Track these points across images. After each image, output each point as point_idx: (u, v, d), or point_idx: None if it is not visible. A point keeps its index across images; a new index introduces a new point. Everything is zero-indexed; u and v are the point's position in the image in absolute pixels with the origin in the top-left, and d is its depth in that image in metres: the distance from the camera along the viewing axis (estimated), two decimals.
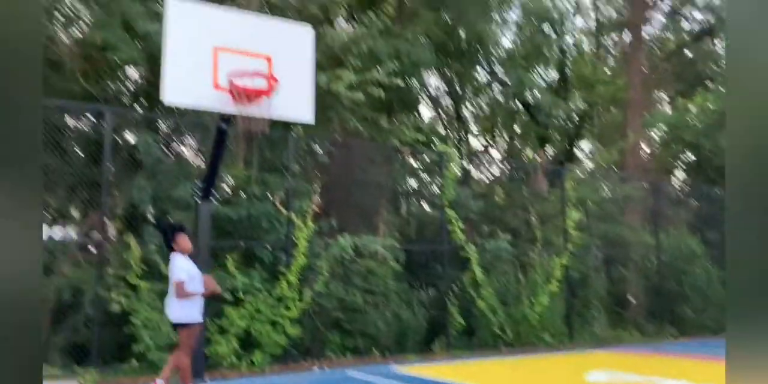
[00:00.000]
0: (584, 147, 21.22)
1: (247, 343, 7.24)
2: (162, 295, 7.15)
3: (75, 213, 12.20)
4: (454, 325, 8.89)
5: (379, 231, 10.47)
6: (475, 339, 9.14)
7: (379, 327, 8.63)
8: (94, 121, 11.04)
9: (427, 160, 10.85)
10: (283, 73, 5.57)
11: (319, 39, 8.42)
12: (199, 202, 6.43)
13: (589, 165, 20.36)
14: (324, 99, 8.56)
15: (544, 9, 15.28)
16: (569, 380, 6.48)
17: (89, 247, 9.99)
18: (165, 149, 10.39)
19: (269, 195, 8.35)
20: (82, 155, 10.90)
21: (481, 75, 18.31)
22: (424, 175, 11.08)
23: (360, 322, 8.54)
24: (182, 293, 5.09)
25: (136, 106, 11.47)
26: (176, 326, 5.22)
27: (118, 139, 10.53)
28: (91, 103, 9.41)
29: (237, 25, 5.50)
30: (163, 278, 7.14)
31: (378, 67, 8.52)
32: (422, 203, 11.61)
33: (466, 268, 9.29)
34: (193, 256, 6.68)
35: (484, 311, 8.98)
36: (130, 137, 10.66)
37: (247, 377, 6.78)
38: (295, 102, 5.61)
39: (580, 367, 7.27)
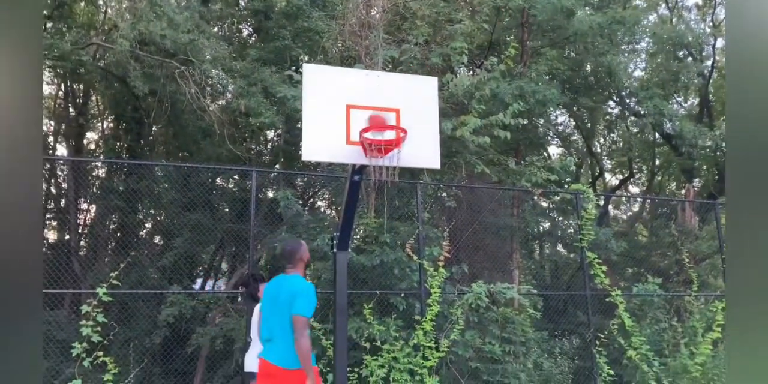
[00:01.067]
0: None
1: None
2: None
3: (224, 266, 13.20)
4: (603, 376, 8.24)
5: (513, 276, 10.16)
6: None
7: (520, 377, 8.24)
8: (237, 179, 12.04)
9: (560, 200, 10.47)
10: (411, 123, 5.71)
11: (442, 87, 8.62)
12: (336, 252, 6.65)
13: None
14: (450, 145, 8.67)
15: (679, 34, 14.45)
16: None
17: (238, 298, 10.70)
18: (302, 203, 11.02)
19: (400, 243, 8.46)
20: (228, 211, 11.88)
21: (613, 108, 17.59)
22: (558, 217, 10.66)
23: (500, 373, 8.21)
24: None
25: (276, 165, 12.36)
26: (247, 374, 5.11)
27: (260, 195, 11.39)
28: (236, 164, 10.31)
29: (366, 83, 5.78)
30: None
31: (503, 109, 8.49)
32: (557, 246, 11.13)
33: (612, 314, 8.66)
34: (331, 305, 6.88)
35: (637, 362, 8.24)
36: (271, 193, 11.47)
37: None
38: (422, 150, 5.71)
39: None
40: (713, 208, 10.27)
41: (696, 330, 8.55)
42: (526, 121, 9.50)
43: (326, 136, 5.43)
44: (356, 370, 7.20)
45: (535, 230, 10.77)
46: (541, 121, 11.28)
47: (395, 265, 8.37)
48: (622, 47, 10.61)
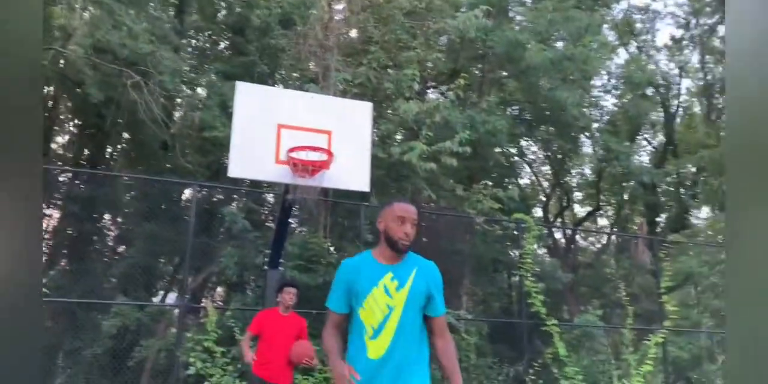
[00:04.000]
0: (701, 214, 19.71)
1: None
2: (236, 359, 7.35)
3: (180, 278, 13.09)
4: None
5: (461, 301, 10.22)
6: None
7: None
8: (204, 192, 12.03)
9: (512, 228, 10.60)
10: (343, 146, 5.83)
11: (394, 112, 8.78)
12: (267, 269, 6.69)
13: (706, 233, 18.77)
14: (399, 169, 8.80)
15: (648, 74, 14.82)
16: None
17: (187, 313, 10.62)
18: (257, 218, 11.02)
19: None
20: (189, 223, 11.83)
21: (584, 142, 17.90)
22: (508, 244, 10.78)
23: None
24: None
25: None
26: None
27: (222, 208, 11.37)
28: (192, 177, 10.32)
29: (301, 104, 5.91)
30: (235, 342, 7.37)
31: (454, 137, 8.64)
32: (507, 274, 11.23)
33: (551, 344, 8.73)
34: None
35: None
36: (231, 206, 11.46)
37: None
38: (352, 172, 5.83)
39: None
40: (654, 244, 10.44)
41: (629, 363, 8.62)
42: (473, 150, 9.61)
43: (255, 154, 5.53)
44: None
45: (486, 258, 10.87)
46: (498, 150, 11.47)
47: None
48: (577, 83, 10.87)
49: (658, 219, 18.82)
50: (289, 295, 5.34)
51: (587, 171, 21.05)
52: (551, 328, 8.54)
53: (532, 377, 8.36)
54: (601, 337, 9.18)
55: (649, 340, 9.02)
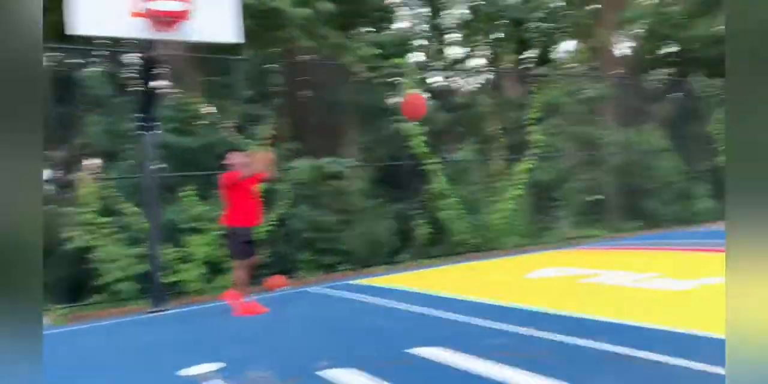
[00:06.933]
0: (563, 47, 20.69)
1: (212, 268, 7.41)
2: (123, 228, 7.24)
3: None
4: (421, 235, 9.12)
5: (347, 150, 10.48)
6: (442, 248, 9.38)
7: (350, 243, 8.86)
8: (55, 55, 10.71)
9: (391, 75, 10.61)
10: None
11: None
12: (141, 133, 6.37)
13: (567, 66, 19.90)
14: (271, 17, 8.24)
15: None
16: (509, 279, 6.66)
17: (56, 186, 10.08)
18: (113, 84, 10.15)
19: (225, 122, 8.26)
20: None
21: None
22: (389, 90, 10.87)
23: (332, 241, 8.74)
24: None
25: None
26: None
27: (76, 76, 10.30)
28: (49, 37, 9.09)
29: None
30: (121, 213, 7.21)
31: None
32: (389, 120, 11.48)
33: (432, 180, 9.39)
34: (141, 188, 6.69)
35: (448, 220, 9.16)
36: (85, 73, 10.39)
37: (213, 302, 6.89)
38: (219, 23, 5.41)
39: (531, 266, 7.34)
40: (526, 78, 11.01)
41: (502, 189, 9.56)
42: None
43: (104, 6, 4.94)
44: (180, 250, 7.25)
45: (370, 105, 10.97)
46: None
47: (222, 145, 8.22)
48: None
49: (527, 54, 19.59)
50: None
51: (465, 11, 20.94)
52: (432, 166, 9.13)
53: (419, 211, 9.09)
54: (477, 170, 9.96)
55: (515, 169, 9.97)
